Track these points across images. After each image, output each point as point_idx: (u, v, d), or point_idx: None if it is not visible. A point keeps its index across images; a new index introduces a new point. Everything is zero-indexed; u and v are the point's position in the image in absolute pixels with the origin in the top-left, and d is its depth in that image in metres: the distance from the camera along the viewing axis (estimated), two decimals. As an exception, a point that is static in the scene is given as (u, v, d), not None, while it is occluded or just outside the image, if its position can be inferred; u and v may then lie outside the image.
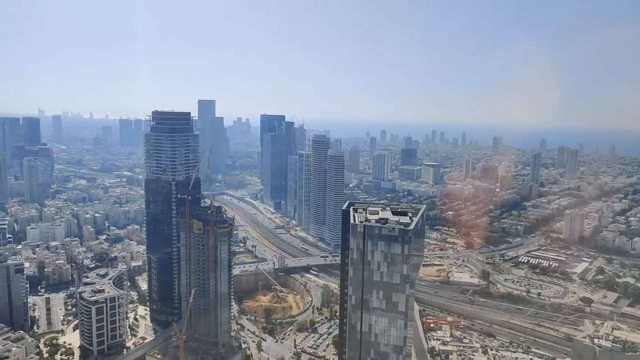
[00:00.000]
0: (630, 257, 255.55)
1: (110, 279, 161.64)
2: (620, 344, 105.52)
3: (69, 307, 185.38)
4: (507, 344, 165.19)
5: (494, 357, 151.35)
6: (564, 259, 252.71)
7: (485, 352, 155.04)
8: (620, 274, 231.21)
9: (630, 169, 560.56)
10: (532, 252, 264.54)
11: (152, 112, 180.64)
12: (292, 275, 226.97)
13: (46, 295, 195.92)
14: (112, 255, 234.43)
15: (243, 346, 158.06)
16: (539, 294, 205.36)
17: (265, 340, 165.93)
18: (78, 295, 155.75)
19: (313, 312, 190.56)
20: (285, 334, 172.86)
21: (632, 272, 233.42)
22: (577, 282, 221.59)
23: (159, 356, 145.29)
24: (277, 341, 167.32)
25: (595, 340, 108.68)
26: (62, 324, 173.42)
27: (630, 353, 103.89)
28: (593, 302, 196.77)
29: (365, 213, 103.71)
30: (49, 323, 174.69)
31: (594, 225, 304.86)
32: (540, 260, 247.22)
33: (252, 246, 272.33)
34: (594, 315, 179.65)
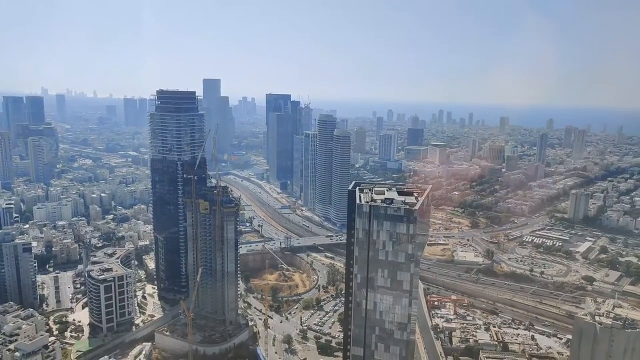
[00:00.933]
0: (634, 237, 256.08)
1: (117, 258, 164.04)
2: (620, 322, 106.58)
3: (78, 286, 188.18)
4: (510, 321, 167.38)
5: (496, 334, 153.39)
6: (567, 238, 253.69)
7: (487, 329, 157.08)
8: (623, 253, 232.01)
9: (638, 149, 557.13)
10: (537, 232, 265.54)
11: (157, 91, 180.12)
12: (298, 254, 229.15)
13: (54, 274, 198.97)
14: (119, 234, 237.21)
15: (250, 323, 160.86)
16: (542, 273, 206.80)
17: (272, 318, 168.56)
18: (86, 274, 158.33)
19: (319, 290, 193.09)
20: (291, 311, 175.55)
21: (635, 251, 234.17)
22: (580, 261, 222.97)
23: (167, 333, 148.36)
24: (283, 319, 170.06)
25: (596, 318, 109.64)
26: (71, 302, 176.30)
27: (630, 330, 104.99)
28: (595, 280, 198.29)
29: (371, 193, 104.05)
30: (58, 301, 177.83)
31: (599, 205, 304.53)
32: (544, 240, 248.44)
33: (259, 226, 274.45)
34: (596, 293, 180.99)
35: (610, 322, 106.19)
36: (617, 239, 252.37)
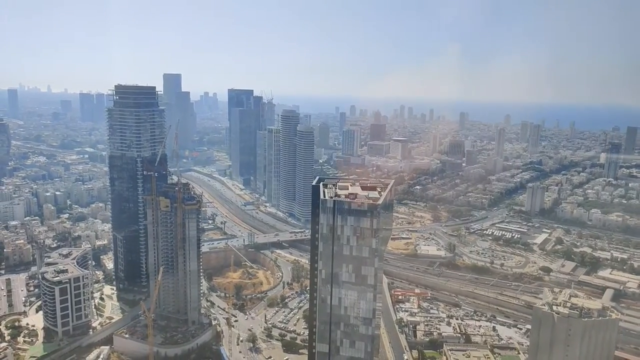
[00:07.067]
0: (587, 228, 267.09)
1: (73, 259, 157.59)
2: (577, 311, 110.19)
3: (31, 288, 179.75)
4: (472, 313, 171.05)
5: (459, 327, 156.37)
6: (525, 230, 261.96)
7: (450, 322, 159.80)
8: (578, 244, 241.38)
9: (589, 143, 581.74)
10: (496, 225, 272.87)
11: (115, 86, 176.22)
12: (262, 251, 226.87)
13: (6, 277, 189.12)
14: (75, 234, 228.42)
15: (213, 323, 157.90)
16: (502, 265, 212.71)
17: (236, 317, 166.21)
18: (40, 276, 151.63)
19: (283, 287, 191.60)
20: (255, 309, 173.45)
21: (589, 242, 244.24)
22: (538, 253, 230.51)
23: (126, 335, 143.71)
24: (247, 317, 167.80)
25: (554, 308, 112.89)
26: (25, 306, 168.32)
27: (586, 319, 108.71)
28: (552, 271, 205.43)
29: (335, 188, 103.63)
30: (10, 305, 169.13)
31: (554, 197, 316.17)
32: (503, 232, 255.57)
33: (222, 223, 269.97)
34: (553, 283, 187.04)
35: (568, 312, 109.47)
36: (571, 230, 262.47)
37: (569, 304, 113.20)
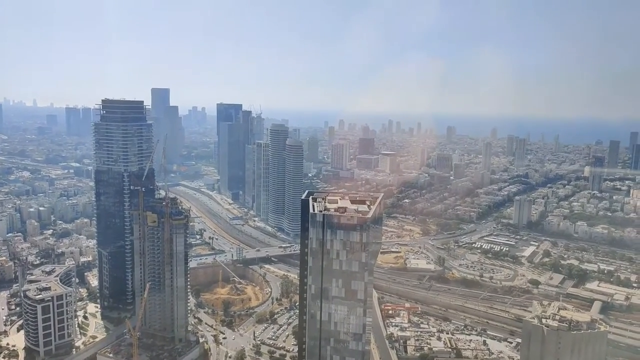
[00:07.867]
0: (574, 240, 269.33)
1: (57, 276, 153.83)
2: (566, 323, 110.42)
3: (13, 307, 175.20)
4: (462, 327, 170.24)
5: (449, 341, 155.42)
6: (513, 243, 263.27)
7: (440, 337, 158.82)
8: (565, 256, 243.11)
9: (573, 157, 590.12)
10: (485, 238, 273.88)
11: (102, 100, 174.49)
12: (250, 266, 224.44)
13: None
14: (59, 250, 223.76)
15: (200, 340, 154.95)
16: (491, 278, 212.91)
17: (224, 334, 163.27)
18: (22, 294, 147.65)
19: (272, 303, 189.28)
20: (244, 326, 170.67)
21: (576, 254, 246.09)
22: (526, 265, 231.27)
23: (110, 355, 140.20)
24: (235, 334, 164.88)
25: (543, 320, 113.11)
26: (5, 325, 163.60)
27: (575, 332, 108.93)
28: (540, 283, 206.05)
29: (324, 202, 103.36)
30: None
31: (541, 210, 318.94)
32: (492, 245, 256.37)
33: (210, 238, 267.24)
34: (542, 296, 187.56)
35: (557, 325, 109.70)
36: (558, 243, 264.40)
37: (558, 317, 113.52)
